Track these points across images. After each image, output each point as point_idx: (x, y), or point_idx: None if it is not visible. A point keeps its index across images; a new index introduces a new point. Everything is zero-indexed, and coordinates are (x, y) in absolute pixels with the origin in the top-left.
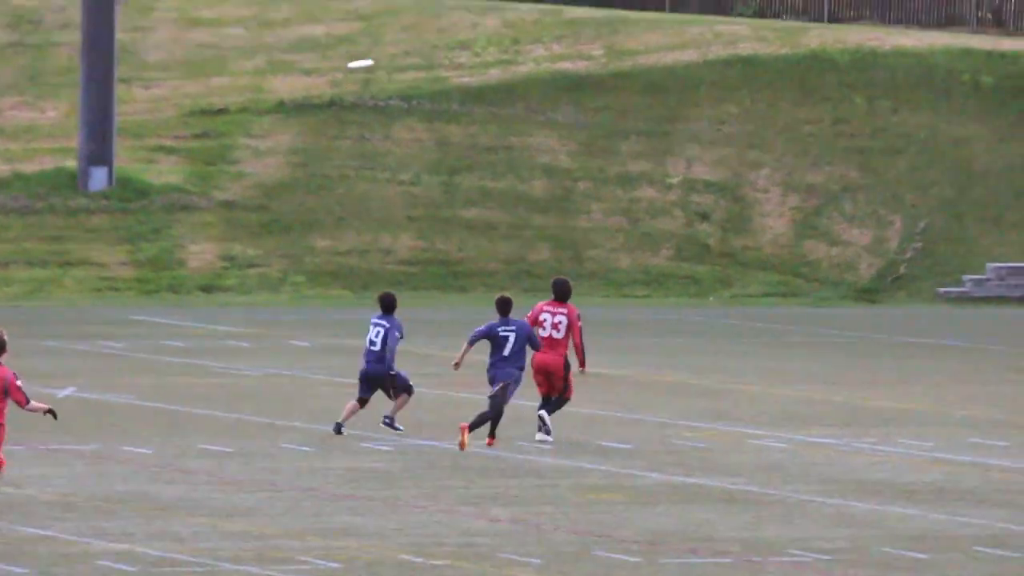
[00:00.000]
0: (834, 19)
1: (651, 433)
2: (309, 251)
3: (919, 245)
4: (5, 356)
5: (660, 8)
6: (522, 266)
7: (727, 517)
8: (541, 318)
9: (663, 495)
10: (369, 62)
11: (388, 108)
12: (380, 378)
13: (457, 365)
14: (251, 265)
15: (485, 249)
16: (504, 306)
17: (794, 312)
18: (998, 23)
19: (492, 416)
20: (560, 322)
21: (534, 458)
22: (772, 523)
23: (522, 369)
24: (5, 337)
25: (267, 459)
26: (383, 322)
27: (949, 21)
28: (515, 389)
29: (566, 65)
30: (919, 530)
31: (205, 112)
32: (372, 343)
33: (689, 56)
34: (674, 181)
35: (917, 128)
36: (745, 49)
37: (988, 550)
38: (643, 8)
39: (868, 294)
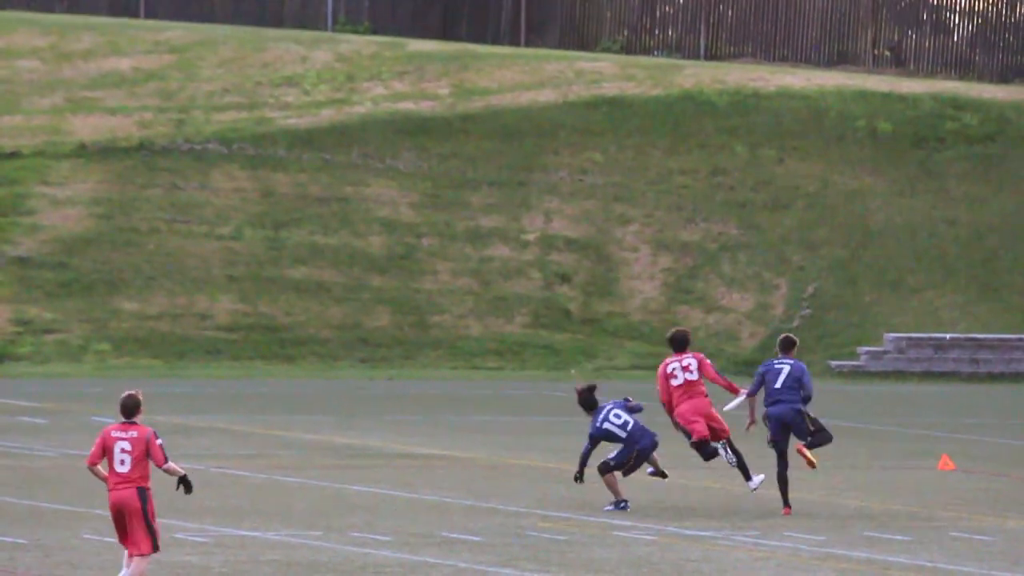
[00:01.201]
0: (712, 56)
1: (503, 524)
2: (114, 315)
3: (808, 312)
4: (140, 417)
5: (515, 43)
6: (358, 333)
7: None
8: (669, 370)
9: None
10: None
11: (205, 153)
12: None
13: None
14: (48, 331)
15: (316, 314)
16: (786, 344)
17: None
18: (897, 62)
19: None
20: (689, 364)
21: (370, 551)
22: None
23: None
24: (140, 397)
25: (66, 552)
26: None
27: (842, 59)
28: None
29: (408, 105)
30: None
31: None
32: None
33: (547, 96)
34: (530, 238)
35: (805, 180)
36: (611, 89)
37: None
38: (495, 42)
39: (749, 367)
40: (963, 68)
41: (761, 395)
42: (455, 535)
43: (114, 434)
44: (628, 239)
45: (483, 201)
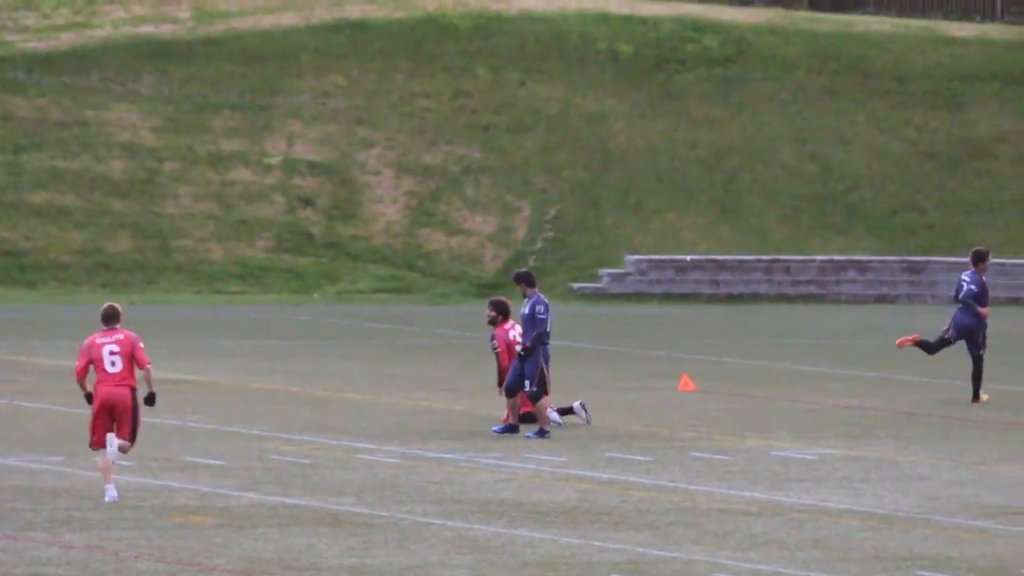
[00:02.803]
0: None
1: (246, 448)
2: None
3: (550, 235)
4: (120, 324)
5: None
6: (99, 258)
7: (332, 542)
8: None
9: (260, 518)
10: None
11: None
12: None
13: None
14: None
15: (56, 238)
16: (978, 257)
17: (409, 310)
18: None
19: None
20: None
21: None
22: (384, 548)
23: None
24: (120, 307)
25: None
26: None
27: None
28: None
29: (148, 29)
30: (550, 556)
31: None
32: None
33: (289, 20)
34: (273, 162)
35: (547, 103)
36: (353, 12)
37: None
38: None
39: (493, 290)
40: None
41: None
42: (198, 459)
43: (99, 340)
44: (371, 162)
45: (225, 125)
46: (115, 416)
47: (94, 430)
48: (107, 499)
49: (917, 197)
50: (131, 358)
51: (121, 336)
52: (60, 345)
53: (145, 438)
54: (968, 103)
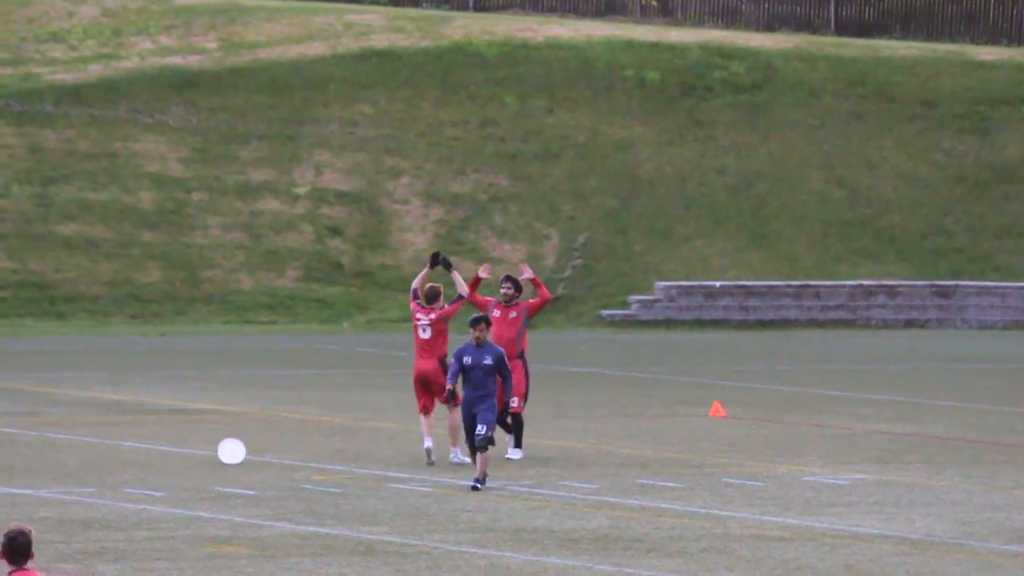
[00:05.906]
0: (480, 8)
1: (277, 477)
2: None
3: (579, 262)
4: (438, 304)
5: None
6: (129, 289)
7: (365, 571)
8: None
9: (292, 547)
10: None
11: None
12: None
13: None
14: None
15: (86, 270)
16: None
17: None
18: (664, 11)
19: None
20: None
21: (145, 507)
22: None
23: None
24: (440, 288)
25: None
26: None
27: (610, 10)
28: None
29: (176, 60)
30: None
31: None
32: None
33: (316, 49)
34: (301, 191)
35: (575, 130)
36: (380, 41)
37: None
38: None
39: None
40: (730, 17)
41: None
42: (229, 489)
43: (418, 314)
44: (399, 191)
45: (253, 155)
46: (428, 386)
47: (417, 397)
48: (451, 460)
49: (946, 221)
50: (442, 329)
51: (434, 316)
52: (90, 376)
53: (176, 468)
54: (996, 127)
